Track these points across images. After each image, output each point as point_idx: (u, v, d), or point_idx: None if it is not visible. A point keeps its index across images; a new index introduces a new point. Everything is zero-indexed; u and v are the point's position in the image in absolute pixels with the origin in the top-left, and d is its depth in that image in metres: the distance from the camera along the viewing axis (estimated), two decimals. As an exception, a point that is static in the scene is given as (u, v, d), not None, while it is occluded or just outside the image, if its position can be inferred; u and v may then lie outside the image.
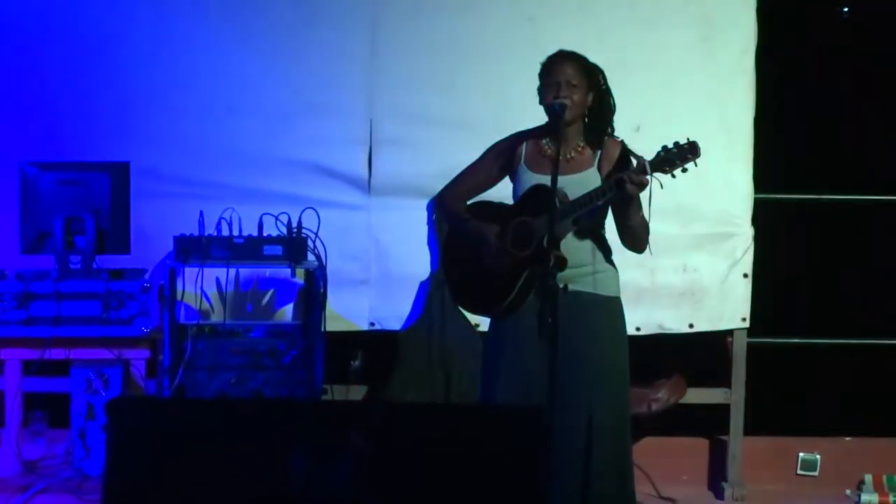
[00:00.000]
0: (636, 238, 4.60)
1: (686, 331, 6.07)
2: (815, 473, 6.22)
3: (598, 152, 4.62)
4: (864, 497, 6.04)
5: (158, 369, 5.55)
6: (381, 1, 5.95)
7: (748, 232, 6.03)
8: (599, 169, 4.61)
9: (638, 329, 5.90)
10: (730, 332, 6.07)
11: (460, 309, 5.33)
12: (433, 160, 5.73)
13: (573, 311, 4.50)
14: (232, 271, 5.74)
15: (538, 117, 4.66)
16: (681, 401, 6.10)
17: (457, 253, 4.84)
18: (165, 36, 5.92)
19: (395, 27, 5.96)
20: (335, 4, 5.95)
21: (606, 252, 4.68)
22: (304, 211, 5.59)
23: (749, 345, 6.07)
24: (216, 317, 5.79)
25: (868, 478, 6.11)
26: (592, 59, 4.65)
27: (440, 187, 4.93)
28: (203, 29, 5.93)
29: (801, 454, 6.23)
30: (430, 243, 5.98)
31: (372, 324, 6.05)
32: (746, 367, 6.08)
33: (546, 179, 4.53)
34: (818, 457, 6.22)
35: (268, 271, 5.89)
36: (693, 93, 5.94)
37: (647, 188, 4.41)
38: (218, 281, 5.76)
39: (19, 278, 5.43)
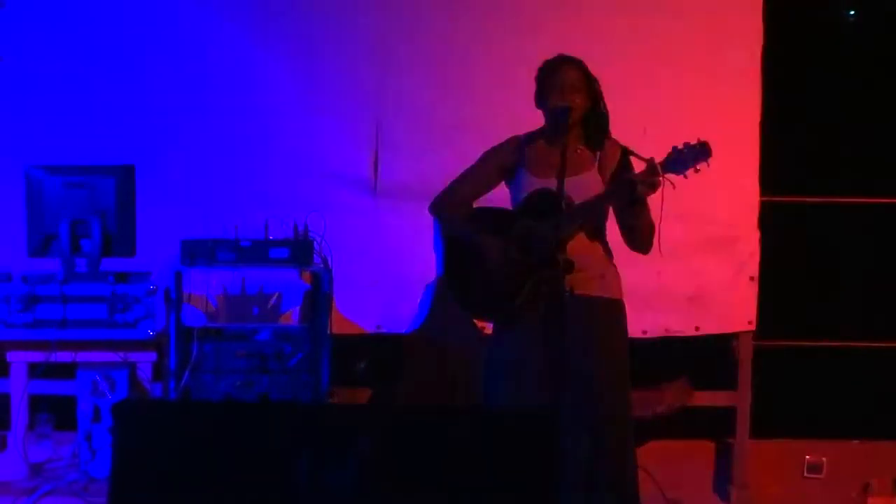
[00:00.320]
0: (643, 239, 4.60)
1: (692, 333, 6.06)
2: (822, 476, 6.21)
3: (598, 153, 4.64)
4: (871, 500, 6.03)
5: (164, 372, 5.55)
6: (389, 4, 5.96)
7: (754, 235, 6.02)
8: (600, 171, 4.62)
9: (644, 332, 5.91)
10: (736, 335, 6.07)
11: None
12: (439, 163, 5.72)
13: (580, 314, 4.50)
14: (238, 274, 5.74)
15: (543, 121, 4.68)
16: (687, 403, 6.10)
17: (459, 258, 4.83)
18: (172, 38, 5.93)
19: (402, 30, 5.96)
20: (343, 9, 5.95)
21: (609, 253, 4.69)
22: (310, 213, 5.59)
23: (755, 347, 6.07)
24: (222, 319, 5.79)
25: (874, 481, 6.10)
26: (598, 61, 4.68)
27: (446, 190, 4.94)
28: (210, 32, 5.94)
29: (807, 457, 6.23)
30: (436, 246, 5.98)
31: (378, 326, 6.05)
32: (753, 369, 6.08)
33: (549, 183, 4.54)
34: (824, 460, 6.22)
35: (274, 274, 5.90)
36: (699, 95, 5.93)
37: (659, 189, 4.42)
38: (224, 283, 5.76)
39: (25, 281, 5.43)
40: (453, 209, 4.84)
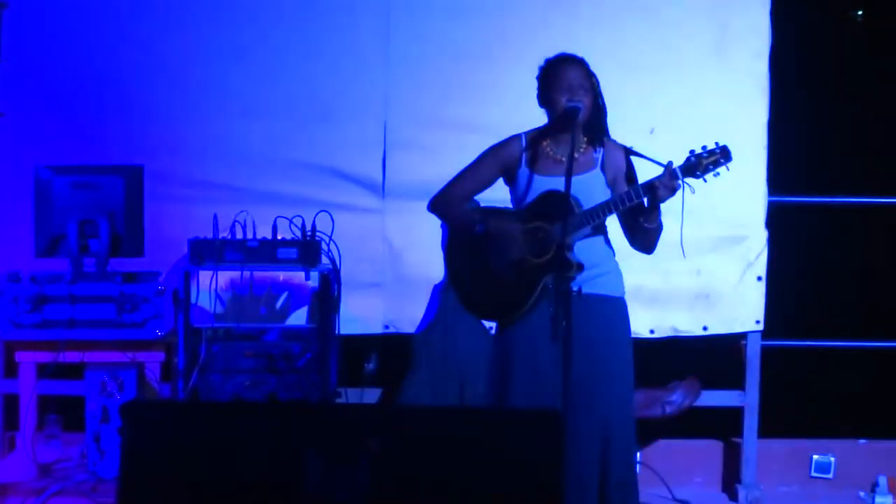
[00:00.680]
0: (650, 241, 4.61)
1: (700, 333, 6.06)
2: (829, 476, 6.22)
3: (601, 151, 4.64)
4: (879, 499, 6.03)
5: (173, 372, 5.55)
6: (396, 5, 5.96)
7: (762, 234, 6.02)
8: (603, 170, 4.62)
9: (652, 331, 5.91)
10: (744, 335, 6.07)
11: (473, 312, 5.33)
12: (447, 163, 5.67)
13: (586, 313, 4.50)
14: (246, 274, 5.74)
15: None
16: (695, 403, 6.10)
17: (463, 257, 4.81)
18: (180, 39, 5.93)
19: (409, 31, 5.96)
20: (350, 8, 5.96)
21: (612, 251, 4.70)
22: (318, 214, 5.59)
23: (763, 347, 6.07)
24: (230, 320, 5.80)
25: (882, 480, 6.10)
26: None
27: (453, 190, 4.94)
28: (218, 32, 5.94)
29: (814, 456, 6.23)
30: (443, 246, 5.98)
31: (386, 327, 6.05)
32: (760, 369, 6.08)
33: (552, 181, 4.55)
34: (832, 459, 6.22)
35: (282, 274, 5.90)
36: (707, 96, 5.93)
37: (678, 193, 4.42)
38: (232, 284, 5.77)
39: (33, 281, 5.43)
40: (458, 205, 4.82)
